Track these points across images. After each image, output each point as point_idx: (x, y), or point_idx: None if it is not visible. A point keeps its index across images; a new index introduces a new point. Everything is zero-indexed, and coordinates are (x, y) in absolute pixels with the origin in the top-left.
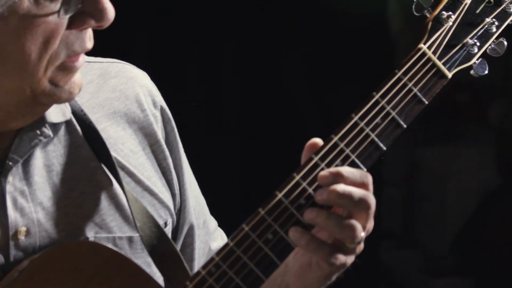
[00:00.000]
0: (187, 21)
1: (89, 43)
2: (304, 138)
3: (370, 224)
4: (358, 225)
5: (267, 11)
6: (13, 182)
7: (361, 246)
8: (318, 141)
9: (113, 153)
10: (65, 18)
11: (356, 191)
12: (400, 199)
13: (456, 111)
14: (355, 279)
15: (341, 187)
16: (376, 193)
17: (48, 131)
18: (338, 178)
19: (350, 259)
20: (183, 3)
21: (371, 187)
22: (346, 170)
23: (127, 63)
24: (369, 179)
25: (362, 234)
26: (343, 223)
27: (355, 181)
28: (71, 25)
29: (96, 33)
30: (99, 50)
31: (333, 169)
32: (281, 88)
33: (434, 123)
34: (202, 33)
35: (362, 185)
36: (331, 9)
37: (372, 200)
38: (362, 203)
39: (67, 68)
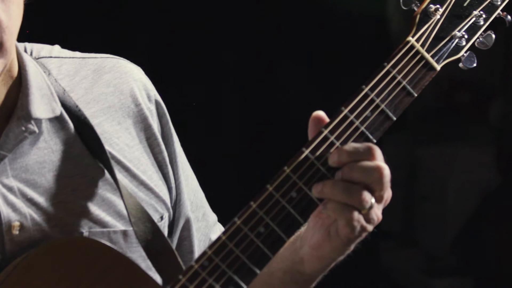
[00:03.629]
0: (187, 20)
1: None
2: (303, 138)
3: (388, 194)
4: (364, 190)
5: (268, 11)
6: (0, 179)
7: (378, 214)
8: (321, 113)
9: (108, 148)
10: None
11: (367, 163)
12: (400, 199)
13: (456, 111)
14: (355, 279)
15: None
16: None
17: (33, 127)
18: (345, 154)
19: (369, 226)
20: (183, 2)
21: (379, 157)
22: (349, 146)
23: (122, 58)
24: (374, 149)
25: (373, 200)
26: (348, 188)
27: (360, 155)
28: None
29: (97, 33)
30: (100, 48)
31: (337, 149)
32: (281, 87)
33: (434, 123)
34: (202, 33)
35: (369, 156)
36: (331, 9)
37: (384, 168)
38: (374, 172)
39: None
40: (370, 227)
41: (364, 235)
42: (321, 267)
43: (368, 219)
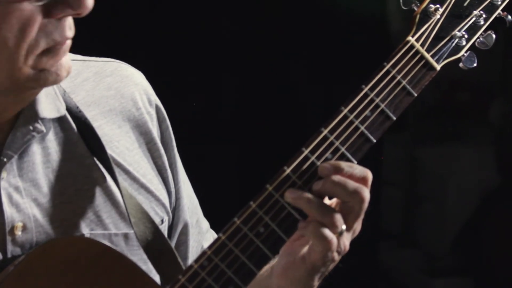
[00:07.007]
0: (187, 20)
1: (69, 32)
2: (303, 139)
3: (358, 225)
4: (338, 214)
5: (267, 11)
6: (7, 178)
7: (346, 245)
8: None
9: (108, 151)
10: (39, 5)
11: (352, 182)
12: (400, 199)
13: (456, 111)
14: (355, 279)
15: (337, 177)
16: (376, 193)
17: (41, 126)
18: (338, 170)
19: (336, 255)
20: (182, 2)
21: (369, 183)
22: (345, 164)
23: (123, 62)
24: (368, 175)
25: (344, 227)
26: (323, 206)
27: (353, 175)
28: (48, 13)
29: (96, 33)
30: (99, 50)
31: (333, 162)
32: (281, 89)
33: (434, 123)
34: (202, 34)
35: (361, 179)
36: (331, 9)
37: (367, 194)
38: (356, 194)
39: (51, 52)
40: (337, 257)
41: (330, 265)
42: None
43: (338, 245)
